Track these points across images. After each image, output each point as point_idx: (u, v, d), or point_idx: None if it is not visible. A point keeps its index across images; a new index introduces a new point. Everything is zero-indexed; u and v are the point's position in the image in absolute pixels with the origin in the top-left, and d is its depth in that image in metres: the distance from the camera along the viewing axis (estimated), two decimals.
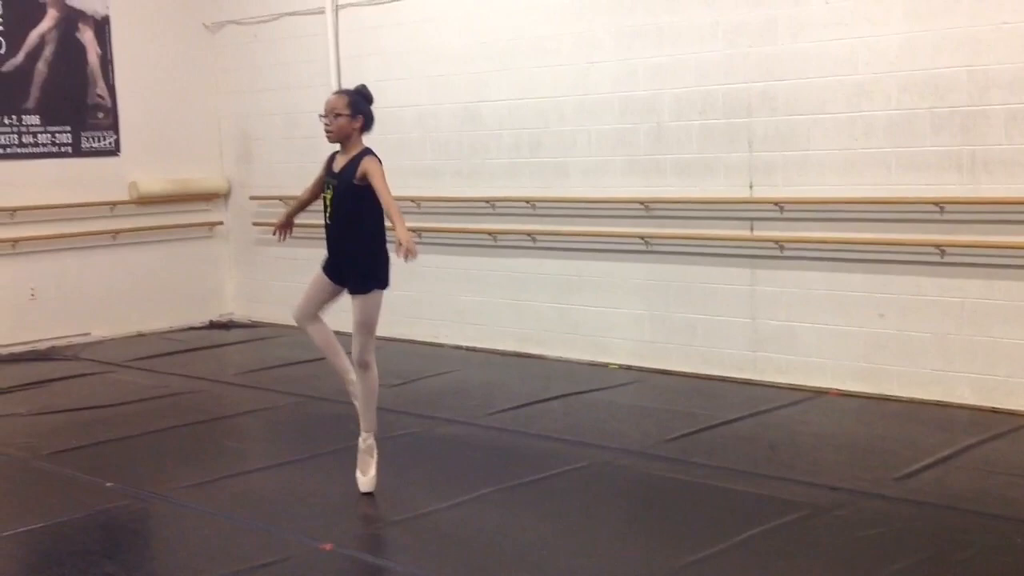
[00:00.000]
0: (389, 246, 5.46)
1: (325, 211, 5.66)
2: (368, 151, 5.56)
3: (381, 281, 5.60)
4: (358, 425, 5.74)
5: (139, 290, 10.75)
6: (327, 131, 5.60)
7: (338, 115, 5.55)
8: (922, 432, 6.50)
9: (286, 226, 6.11)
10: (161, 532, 5.47)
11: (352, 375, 5.78)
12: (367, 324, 5.57)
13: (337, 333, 5.83)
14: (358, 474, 5.70)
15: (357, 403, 5.79)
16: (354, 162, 5.52)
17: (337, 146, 5.69)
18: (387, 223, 5.47)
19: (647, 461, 6.09)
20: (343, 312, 5.75)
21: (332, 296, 5.75)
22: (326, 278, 5.71)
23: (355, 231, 5.57)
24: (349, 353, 5.73)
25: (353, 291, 5.59)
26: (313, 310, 5.78)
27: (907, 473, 5.69)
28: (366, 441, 5.71)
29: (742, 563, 4.68)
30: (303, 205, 6.08)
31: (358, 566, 4.84)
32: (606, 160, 8.41)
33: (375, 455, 5.71)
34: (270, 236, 10.91)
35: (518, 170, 8.96)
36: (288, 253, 10.76)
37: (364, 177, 5.43)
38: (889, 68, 7.00)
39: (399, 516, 5.36)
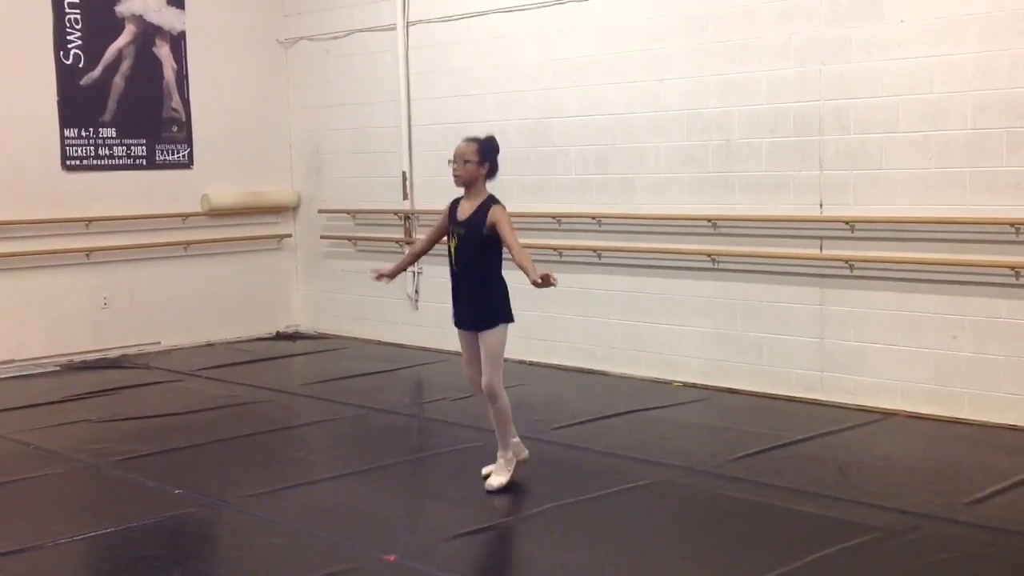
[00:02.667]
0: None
1: (450, 257, 5.89)
2: (495, 200, 5.81)
3: (506, 315, 5.87)
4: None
5: (209, 300, 10.89)
6: (455, 175, 5.84)
7: (467, 162, 5.79)
8: (994, 456, 6.38)
9: (390, 277, 6.32)
10: (228, 540, 5.52)
11: (508, 456, 6.01)
12: (495, 357, 5.85)
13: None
14: (493, 474, 5.94)
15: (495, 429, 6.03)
16: (481, 210, 5.77)
17: (460, 191, 5.92)
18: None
19: (712, 480, 6.04)
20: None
21: (478, 346, 5.93)
22: (464, 332, 5.96)
23: (482, 275, 5.82)
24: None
25: (482, 328, 5.83)
26: (474, 366, 6.01)
27: (979, 498, 5.58)
28: (504, 457, 5.97)
29: None
30: (417, 257, 6.41)
31: None
32: (674, 177, 8.38)
33: (511, 468, 5.98)
34: (337, 249, 11.08)
35: (585, 186, 8.96)
36: (354, 266, 10.89)
37: (493, 227, 5.70)
38: (965, 87, 6.91)
39: (462, 529, 5.36)
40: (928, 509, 5.43)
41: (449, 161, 5.90)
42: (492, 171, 5.87)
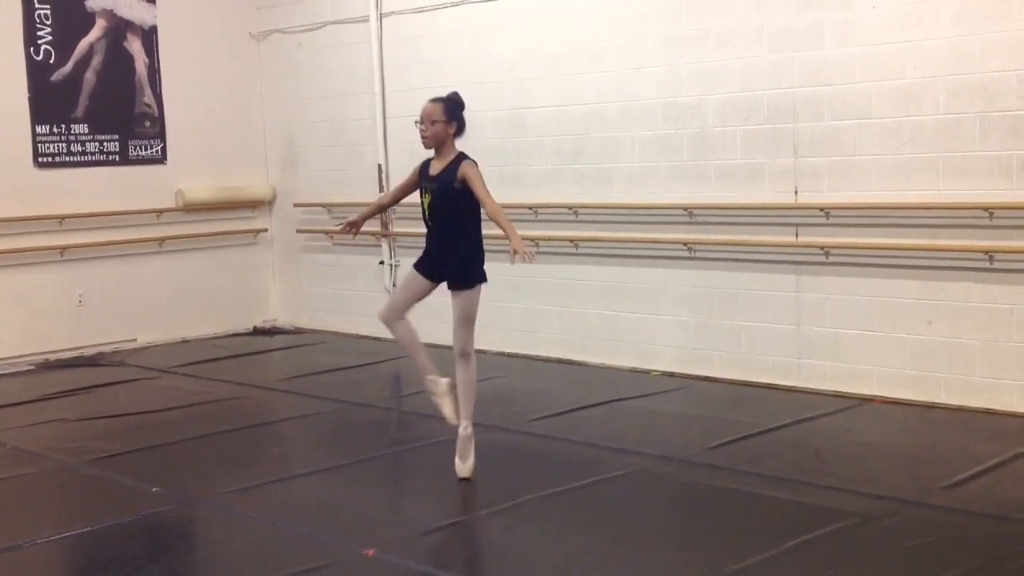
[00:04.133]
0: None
1: (424, 214, 5.93)
2: (465, 156, 5.84)
3: (481, 276, 5.88)
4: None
5: (184, 296, 10.84)
6: (423, 137, 5.88)
7: (435, 122, 5.82)
8: (971, 440, 6.42)
9: (356, 225, 6.38)
10: (206, 537, 5.50)
11: (432, 374, 6.01)
12: (470, 318, 5.87)
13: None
14: (457, 461, 5.91)
15: (438, 401, 6.00)
16: (452, 167, 5.81)
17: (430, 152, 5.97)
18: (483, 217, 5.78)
19: (691, 468, 6.05)
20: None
21: (425, 294, 6.01)
22: (421, 277, 5.95)
23: (456, 232, 5.84)
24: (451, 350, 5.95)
25: (457, 287, 5.85)
26: (404, 309, 6.04)
27: (956, 482, 5.61)
28: (466, 430, 5.93)
29: (787, 572, 4.63)
30: (382, 209, 6.44)
31: (401, 572, 4.83)
32: (650, 166, 8.38)
33: (473, 442, 5.93)
34: (314, 243, 11.03)
35: (561, 176, 8.95)
36: (332, 260, 10.86)
37: (464, 181, 5.73)
38: (938, 72, 6.93)
39: (442, 522, 5.36)
40: (905, 494, 5.45)
41: (416, 122, 5.90)
42: (460, 129, 5.89)
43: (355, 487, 6.04)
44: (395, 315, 6.03)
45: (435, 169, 5.88)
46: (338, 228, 6.37)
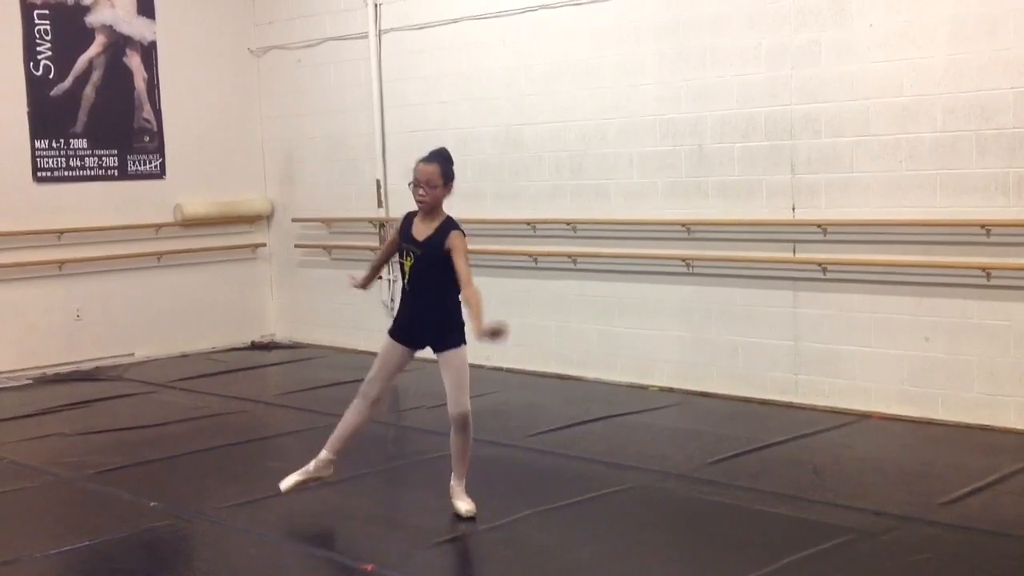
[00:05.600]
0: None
1: (403, 277, 5.64)
2: (453, 223, 5.54)
3: (464, 337, 5.59)
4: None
5: (183, 311, 10.85)
6: (421, 201, 5.54)
7: (434, 186, 5.50)
8: (968, 457, 6.42)
9: (363, 286, 6.21)
10: (205, 552, 5.49)
11: (333, 454, 5.79)
12: (465, 379, 5.56)
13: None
14: (461, 505, 5.64)
15: (307, 471, 5.80)
16: (440, 233, 5.50)
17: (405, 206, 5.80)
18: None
19: (689, 484, 6.05)
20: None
21: (405, 363, 5.77)
22: (399, 346, 5.68)
23: (440, 297, 5.54)
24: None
25: (446, 348, 5.56)
26: (387, 381, 5.79)
27: (954, 498, 5.61)
28: (460, 485, 5.70)
29: None
30: (378, 270, 6.14)
31: None
32: (648, 182, 8.40)
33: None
34: (312, 258, 11.05)
35: (559, 192, 8.98)
36: (330, 275, 10.86)
37: (449, 252, 5.44)
38: (934, 90, 6.96)
39: (440, 537, 5.36)
40: (903, 510, 5.46)
41: (410, 184, 5.58)
42: (450, 189, 5.63)
43: (353, 502, 6.03)
44: (376, 390, 5.74)
45: (420, 233, 5.54)
46: (348, 281, 6.18)
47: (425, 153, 5.63)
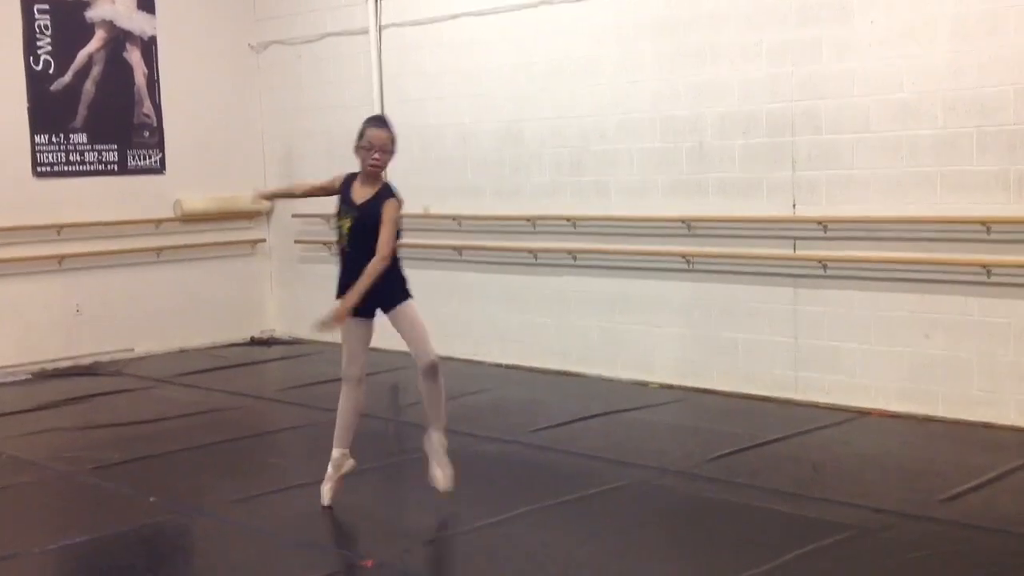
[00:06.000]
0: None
1: (341, 239, 5.69)
2: (392, 190, 5.64)
3: (409, 290, 5.71)
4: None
5: (182, 306, 10.84)
6: (375, 166, 5.61)
7: (388, 152, 5.62)
8: (968, 454, 6.42)
9: (267, 196, 6.42)
10: (204, 547, 5.50)
11: (346, 449, 5.82)
12: (422, 325, 5.65)
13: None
14: (437, 471, 5.72)
15: (332, 476, 5.81)
16: (379, 198, 5.58)
17: (347, 168, 5.79)
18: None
19: (689, 481, 6.05)
20: None
21: (368, 334, 5.78)
22: (354, 319, 5.68)
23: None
24: None
25: (395, 304, 5.64)
26: (361, 357, 5.79)
27: (953, 495, 5.61)
28: (443, 442, 5.76)
29: None
30: (290, 196, 6.40)
31: None
32: (648, 179, 8.40)
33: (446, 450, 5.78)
34: (312, 253, 11.04)
35: (559, 189, 8.97)
36: (330, 271, 10.77)
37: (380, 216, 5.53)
38: (935, 87, 6.95)
39: (440, 533, 5.37)
40: (902, 507, 5.46)
41: (360, 147, 5.62)
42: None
43: (353, 497, 6.02)
44: (358, 370, 5.77)
45: (359, 196, 5.64)
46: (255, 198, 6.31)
47: (380, 124, 5.76)
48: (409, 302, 5.67)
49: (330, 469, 5.81)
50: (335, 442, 5.83)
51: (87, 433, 7.56)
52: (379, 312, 5.73)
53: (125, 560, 5.17)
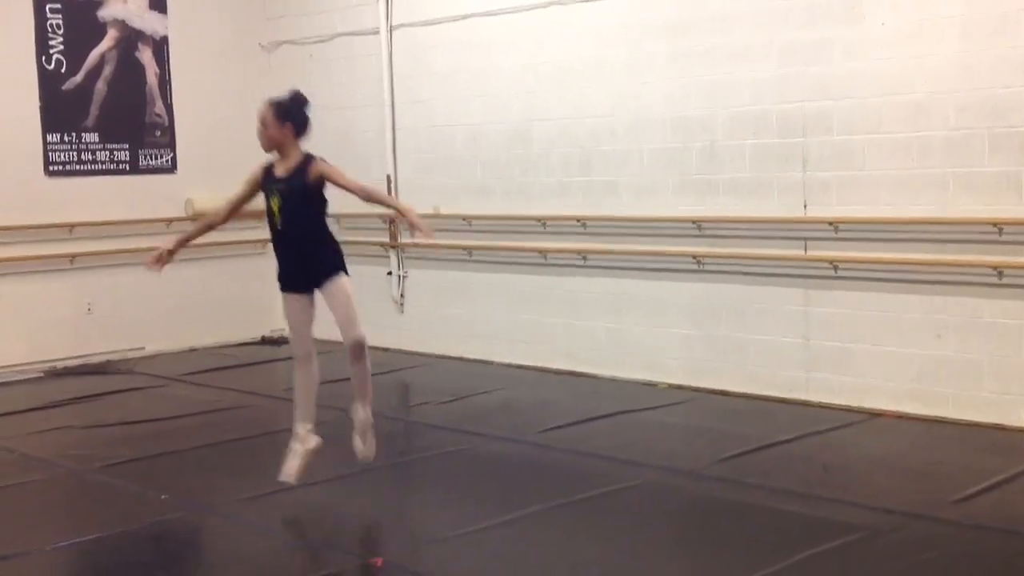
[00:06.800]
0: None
1: (272, 219, 5.74)
2: (313, 156, 5.72)
3: (344, 265, 5.80)
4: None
5: (193, 305, 10.86)
6: (267, 140, 5.73)
7: (267, 126, 5.69)
8: (979, 455, 6.40)
9: (171, 254, 6.09)
10: (214, 545, 5.51)
11: (310, 424, 5.95)
12: (353, 303, 5.76)
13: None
14: (358, 441, 5.92)
15: (294, 454, 5.90)
16: (301, 167, 5.67)
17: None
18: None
19: (699, 481, 6.05)
20: None
21: (310, 310, 5.90)
22: (294, 295, 5.82)
23: (310, 232, 5.72)
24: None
25: (328, 280, 5.73)
26: (307, 334, 5.93)
27: (964, 496, 5.60)
28: (368, 417, 5.90)
29: None
30: (211, 228, 6.19)
31: None
32: (658, 179, 8.39)
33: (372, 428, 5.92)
34: None
35: (569, 189, 8.97)
36: None
37: (320, 178, 5.63)
38: (946, 88, 6.94)
39: (449, 532, 5.36)
40: (913, 508, 5.44)
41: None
42: (300, 129, 5.71)
43: (363, 496, 6.04)
44: (308, 349, 5.92)
45: (281, 171, 5.71)
46: (150, 260, 6.01)
47: (268, 101, 5.78)
48: (343, 277, 5.76)
49: (296, 445, 5.88)
50: (297, 419, 5.92)
51: (97, 431, 7.57)
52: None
53: (135, 558, 5.17)
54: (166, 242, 6.10)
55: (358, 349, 5.75)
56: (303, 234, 5.69)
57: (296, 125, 5.71)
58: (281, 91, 5.93)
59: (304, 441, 5.90)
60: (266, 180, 5.77)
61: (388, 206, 5.84)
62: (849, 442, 6.80)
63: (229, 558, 5.23)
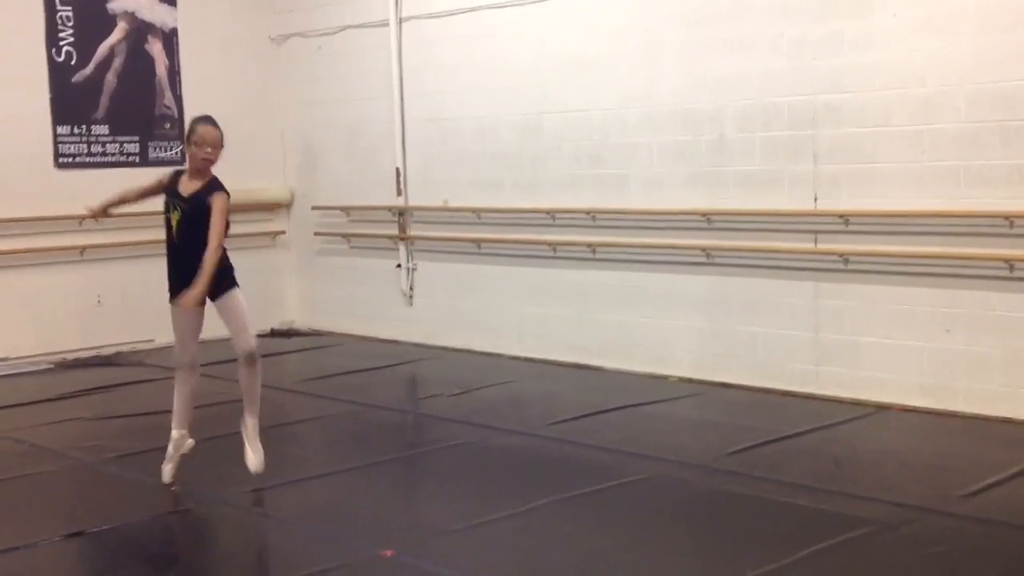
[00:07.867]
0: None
1: (170, 231, 5.92)
2: (220, 184, 5.90)
3: (235, 279, 6.00)
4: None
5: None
6: (207, 160, 5.88)
7: (220, 147, 5.92)
8: (989, 449, 6.39)
9: (102, 214, 6.53)
10: (224, 537, 5.52)
11: (185, 429, 6.08)
12: (247, 316, 5.95)
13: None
14: (250, 455, 6.03)
15: (171, 457, 6.05)
16: (206, 190, 5.84)
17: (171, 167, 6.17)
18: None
19: (708, 474, 6.04)
20: None
21: (198, 321, 6.01)
22: (188, 307, 5.88)
23: (203, 248, 5.77)
24: None
25: (222, 293, 5.89)
26: (193, 344, 6.06)
27: (974, 490, 5.59)
28: (255, 427, 6.09)
29: None
30: (125, 201, 6.43)
31: (418, 573, 4.83)
32: (668, 172, 8.38)
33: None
34: (331, 245, 11.06)
35: (578, 182, 8.96)
36: (349, 263, 10.89)
37: (210, 208, 5.78)
38: (958, 81, 6.91)
39: (458, 525, 5.36)
40: (923, 502, 5.43)
41: (192, 143, 5.89)
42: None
43: (372, 489, 6.05)
44: (192, 357, 6.06)
45: (187, 189, 5.88)
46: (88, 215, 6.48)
47: (211, 122, 6.00)
48: (235, 291, 5.96)
49: (170, 449, 6.05)
50: (174, 424, 6.08)
51: (108, 423, 7.59)
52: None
53: (146, 549, 5.20)
54: (103, 203, 6.44)
55: (251, 359, 5.98)
56: (197, 252, 5.77)
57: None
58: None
59: (178, 446, 6.07)
60: (170, 192, 5.95)
61: (203, 266, 5.77)
62: (859, 436, 6.79)
63: (239, 549, 5.25)
